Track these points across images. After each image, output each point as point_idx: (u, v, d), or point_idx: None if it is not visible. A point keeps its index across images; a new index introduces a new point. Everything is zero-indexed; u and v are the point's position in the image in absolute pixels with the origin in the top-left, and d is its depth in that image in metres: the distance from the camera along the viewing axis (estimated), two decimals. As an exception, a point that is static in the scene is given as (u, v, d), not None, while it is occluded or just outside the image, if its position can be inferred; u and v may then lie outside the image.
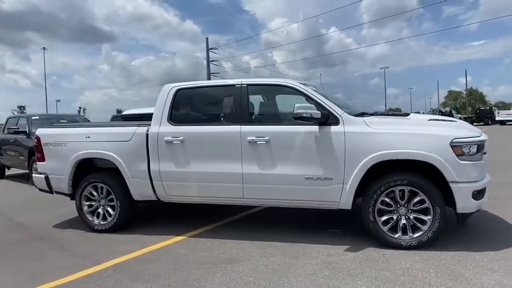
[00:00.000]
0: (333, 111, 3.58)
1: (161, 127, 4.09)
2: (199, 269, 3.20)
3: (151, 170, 4.11)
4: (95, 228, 4.39)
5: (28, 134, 8.29)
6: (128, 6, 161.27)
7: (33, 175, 4.79)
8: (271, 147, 3.70)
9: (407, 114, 4.06)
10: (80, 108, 62.59)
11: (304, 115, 3.44)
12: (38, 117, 9.39)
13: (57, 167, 4.52)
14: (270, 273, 3.06)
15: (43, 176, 4.62)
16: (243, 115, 3.88)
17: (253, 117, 4.01)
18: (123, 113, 6.35)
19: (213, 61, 37.49)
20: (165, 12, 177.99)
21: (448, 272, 2.91)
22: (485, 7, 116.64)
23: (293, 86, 3.84)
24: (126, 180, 4.20)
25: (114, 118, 14.33)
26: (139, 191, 4.21)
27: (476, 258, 3.15)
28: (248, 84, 3.97)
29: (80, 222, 4.78)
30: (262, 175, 3.74)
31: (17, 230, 4.71)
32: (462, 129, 3.47)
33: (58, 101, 57.28)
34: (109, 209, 4.40)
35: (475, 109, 50.86)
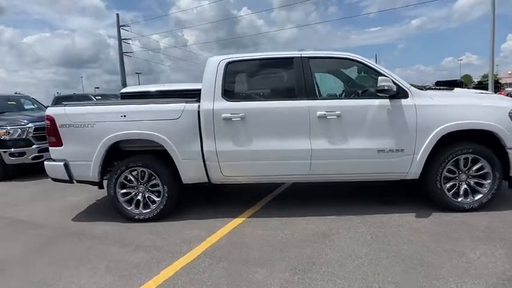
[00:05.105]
0: (401, 85, 3.69)
1: (216, 103, 3.76)
2: (302, 247, 3.10)
3: (204, 150, 3.78)
4: (135, 217, 3.92)
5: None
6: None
7: (46, 163, 4.02)
8: (343, 122, 3.68)
9: (452, 89, 4.38)
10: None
11: (386, 88, 3.49)
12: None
13: (81, 152, 3.87)
14: (375, 242, 3.12)
15: (61, 163, 3.91)
16: (308, 89, 3.76)
17: (319, 91, 3.91)
18: (122, 91, 5.63)
19: (124, 39, 33.92)
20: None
21: (522, 226, 3.32)
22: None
23: (359, 59, 3.83)
24: (176, 163, 3.80)
25: (58, 100, 12.68)
26: (191, 173, 3.85)
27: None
28: (309, 57, 3.85)
29: (101, 214, 4.32)
30: (332, 150, 3.71)
31: (34, 228, 3.95)
32: (510, 101, 3.88)
33: None
34: (151, 195, 3.95)
35: None
